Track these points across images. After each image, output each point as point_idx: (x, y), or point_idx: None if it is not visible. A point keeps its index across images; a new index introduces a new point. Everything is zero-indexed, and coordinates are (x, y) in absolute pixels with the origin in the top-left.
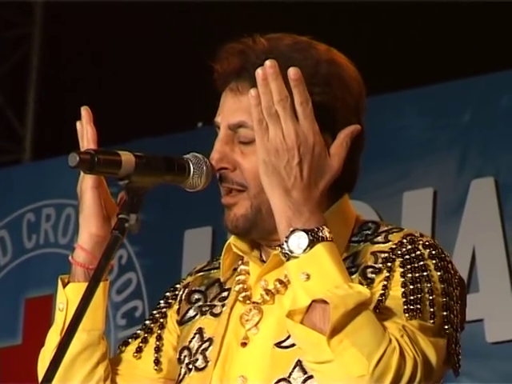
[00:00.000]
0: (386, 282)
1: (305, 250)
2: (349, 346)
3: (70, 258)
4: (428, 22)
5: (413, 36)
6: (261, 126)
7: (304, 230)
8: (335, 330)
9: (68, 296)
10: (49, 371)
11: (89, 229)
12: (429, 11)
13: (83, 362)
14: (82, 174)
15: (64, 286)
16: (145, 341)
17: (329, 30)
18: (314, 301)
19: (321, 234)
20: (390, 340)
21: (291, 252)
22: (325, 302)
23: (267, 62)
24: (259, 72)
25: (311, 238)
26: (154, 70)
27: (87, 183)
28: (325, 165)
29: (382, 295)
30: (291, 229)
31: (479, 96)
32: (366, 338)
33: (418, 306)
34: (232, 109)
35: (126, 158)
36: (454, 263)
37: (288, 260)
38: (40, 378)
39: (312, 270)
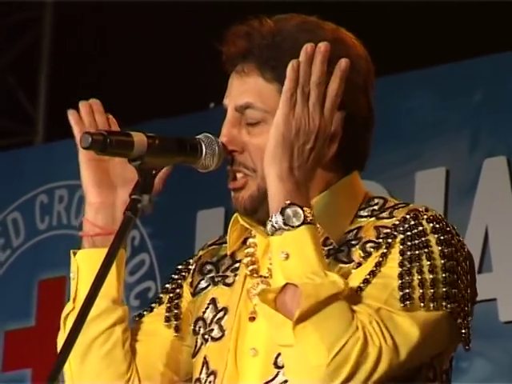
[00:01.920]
0: (380, 259)
1: (293, 227)
2: (311, 333)
3: (79, 233)
4: (438, 2)
5: (422, 16)
6: (291, 99)
7: (300, 207)
8: (302, 318)
9: (78, 263)
10: (68, 342)
11: (88, 199)
12: None
13: (97, 324)
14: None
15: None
16: (169, 310)
17: (338, 10)
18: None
19: (309, 216)
20: (356, 329)
21: (285, 224)
22: (296, 285)
23: (322, 44)
24: (308, 47)
25: (303, 216)
26: (166, 50)
27: (81, 158)
28: (324, 154)
29: (371, 272)
30: (288, 202)
31: (490, 75)
32: (330, 328)
33: (407, 290)
34: (238, 90)
35: (139, 138)
36: (467, 243)
37: (273, 234)
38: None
39: (292, 249)
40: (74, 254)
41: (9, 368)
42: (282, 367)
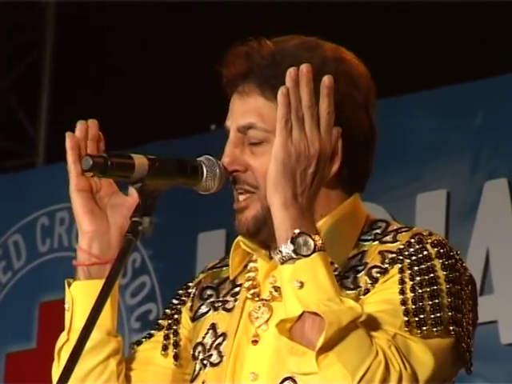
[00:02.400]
0: (401, 286)
1: (305, 256)
2: (334, 361)
3: (73, 262)
4: (440, 24)
5: (425, 37)
6: (286, 126)
7: (309, 235)
8: (325, 346)
9: (73, 294)
10: (63, 375)
11: (80, 228)
12: (441, 12)
13: (92, 357)
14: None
15: (69, 287)
16: (167, 338)
17: (340, 32)
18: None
19: (319, 242)
20: (377, 353)
21: (296, 253)
22: (315, 313)
23: (303, 66)
24: (291, 72)
25: (313, 245)
26: (167, 72)
27: (72, 187)
28: (326, 175)
29: (403, 301)
30: (298, 230)
31: (491, 97)
32: (352, 354)
33: (422, 316)
34: (240, 111)
35: (139, 161)
36: (468, 265)
37: (283, 263)
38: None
39: (306, 278)
40: (69, 284)
41: None
42: None
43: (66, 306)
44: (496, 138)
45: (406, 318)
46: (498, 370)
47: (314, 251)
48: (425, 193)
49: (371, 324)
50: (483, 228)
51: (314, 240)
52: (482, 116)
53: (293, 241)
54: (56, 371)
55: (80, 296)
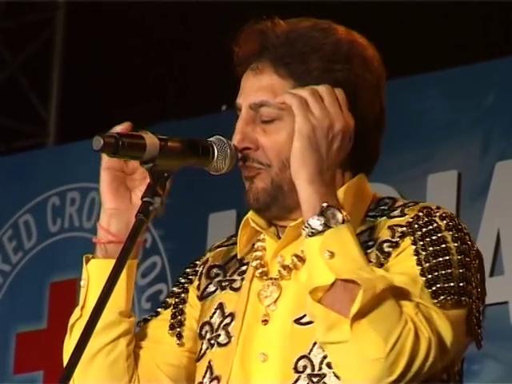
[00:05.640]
0: (417, 257)
1: (332, 228)
2: (367, 327)
3: (93, 239)
4: (451, 4)
5: (436, 18)
6: (302, 104)
7: (337, 208)
8: (360, 312)
9: (89, 272)
10: (75, 353)
11: (103, 205)
12: None
13: (101, 338)
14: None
15: (87, 263)
16: (174, 317)
17: (349, 11)
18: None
19: (345, 215)
20: (406, 321)
21: (325, 226)
22: (346, 281)
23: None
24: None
25: (342, 217)
26: (179, 52)
27: (102, 164)
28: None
29: (421, 269)
30: (326, 204)
31: (502, 78)
32: (384, 321)
33: (439, 286)
34: (253, 88)
35: (151, 141)
36: (479, 246)
37: (312, 236)
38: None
39: (336, 248)
40: (87, 260)
41: (20, 370)
42: (303, 372)
43: (82, 282)
44: (507, 118)
45: (425, 288)
46: (508, 351)
47: (342, 223)
48: (436, 173)
49: (396, 294)
50: (494, 209)
51: (341, 213)
52: (492, 97)
53: (321, 214)
54: (68, 346)
55: (95, 274)
